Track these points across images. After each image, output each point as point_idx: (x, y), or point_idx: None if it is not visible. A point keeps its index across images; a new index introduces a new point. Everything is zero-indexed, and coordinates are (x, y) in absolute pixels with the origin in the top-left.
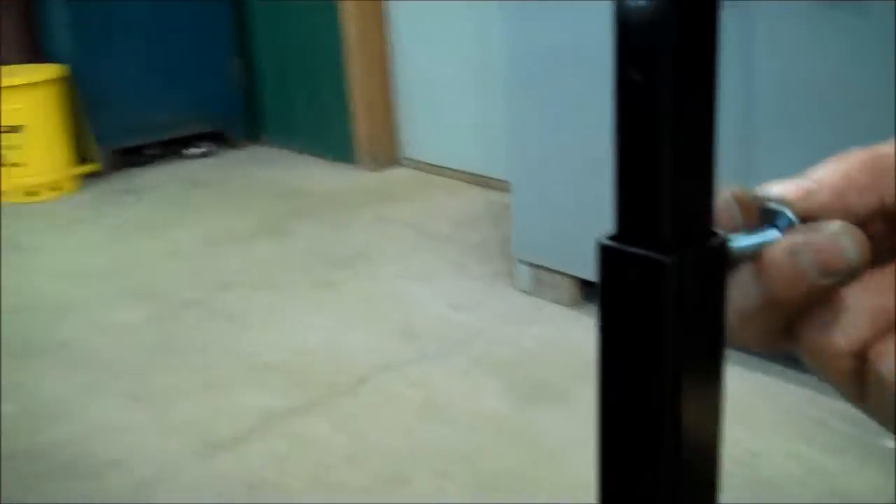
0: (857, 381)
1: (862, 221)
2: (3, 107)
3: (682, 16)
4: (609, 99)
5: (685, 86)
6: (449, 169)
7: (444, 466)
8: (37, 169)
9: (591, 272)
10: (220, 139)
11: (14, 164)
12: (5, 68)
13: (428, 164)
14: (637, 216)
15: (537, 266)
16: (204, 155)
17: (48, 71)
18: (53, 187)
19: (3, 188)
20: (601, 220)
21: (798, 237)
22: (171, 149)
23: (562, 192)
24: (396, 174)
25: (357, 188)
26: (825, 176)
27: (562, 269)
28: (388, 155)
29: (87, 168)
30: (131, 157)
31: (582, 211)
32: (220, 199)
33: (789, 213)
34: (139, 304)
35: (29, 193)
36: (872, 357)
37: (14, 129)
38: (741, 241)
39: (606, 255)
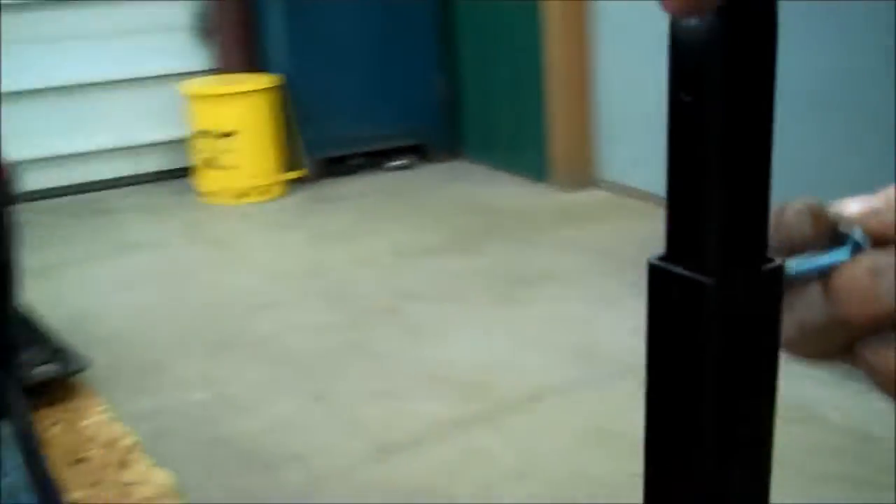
0: None
1: None
2: (222, 112)
3: (734, 35)
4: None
5: (736, 106)
6: (643, 191)
7: (612, 494)
8: (248, 173)
9: None
10: (420, 152)
11: (227, 168)
12: (226, 76)
13: (622, 185)
14: (684, 237)
15: None
16: (404, 168)
17: (265, 80)
18: (262, 191)
19: (216, 189)
20: None
21: (881, 259)
22: (374, 160)
23: None
24: (590, 195)
25: (549, 208)
26: (892, 195)
27: None
28: (583, 176)
29: (295, 175)
30: (335, 166)
31: None
32: (415, 211)
33: (859, 236)
34: (330, 308)
35: (239, 195)
36: None
37: (230, 135)
38: (808, 264)
39: (654, 274)
